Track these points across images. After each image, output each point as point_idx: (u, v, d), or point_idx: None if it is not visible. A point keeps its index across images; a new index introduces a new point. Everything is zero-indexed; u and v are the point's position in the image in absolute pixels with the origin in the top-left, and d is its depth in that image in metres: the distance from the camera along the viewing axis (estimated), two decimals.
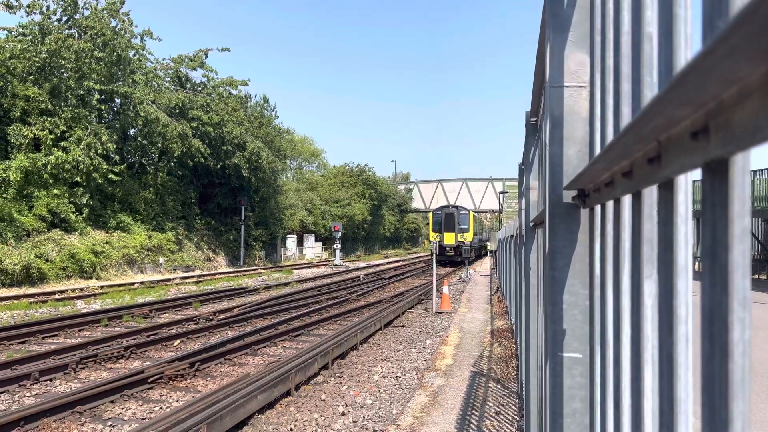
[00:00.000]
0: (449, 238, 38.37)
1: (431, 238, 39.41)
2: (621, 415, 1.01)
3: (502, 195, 55.37)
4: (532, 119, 4.48)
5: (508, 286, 13.74)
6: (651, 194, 0.86)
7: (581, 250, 1.53)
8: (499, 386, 8.16)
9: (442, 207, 41.12)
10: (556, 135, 1.57)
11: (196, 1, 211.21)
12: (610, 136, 1.19)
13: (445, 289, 17.17)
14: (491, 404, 7.27)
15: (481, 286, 24.54)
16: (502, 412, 6.91)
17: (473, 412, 6.97)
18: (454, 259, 38.21)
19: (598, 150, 1.38)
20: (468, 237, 38.52)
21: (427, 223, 43.17)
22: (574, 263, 1.53)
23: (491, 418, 6.66)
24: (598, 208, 1.33)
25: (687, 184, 0.70)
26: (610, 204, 1.18)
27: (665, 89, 0.51)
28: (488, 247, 44.40)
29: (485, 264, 43.21)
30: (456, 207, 40.41)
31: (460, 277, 29.25)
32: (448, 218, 38.97)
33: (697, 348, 0.60)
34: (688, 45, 0.68)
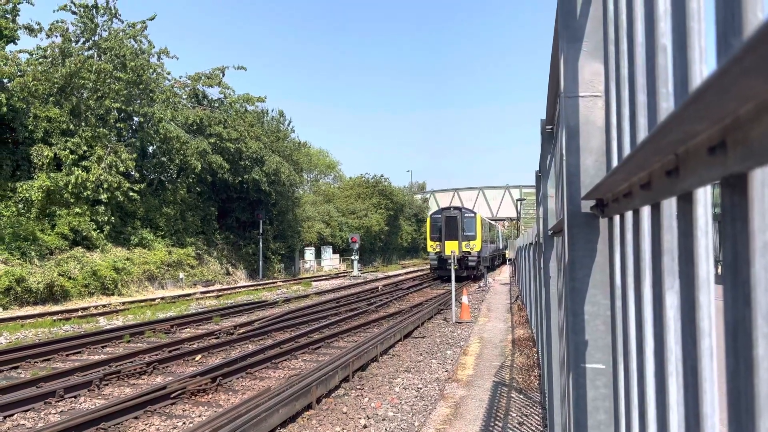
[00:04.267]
0: (451, 248, 30.10)
1: (429, 249, 32.38)
2: (646, 429, 1.00)
3: (519, 202, 55.05)
4: (547, 127, 4.46)
5: (528, 295, 13.64)
6: (670, 205, 0.86)
7: (601, 260, 1.52)
8: (521, 396, 8.08)
9: (442, 209, 32.71)
10: (572, 145, 1.56)
11: (208, 20, 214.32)
12: (627, 146, 1.18)
13: (465, 299, 17.08)
14: (514, 415, 7.20)
15: (501, 295, 24.37)
16: (525, 422, 6.83)
17: (496, 423, 6.90)
18: (458, 273, 30.13)
19: (615, 160, 1.37)
20: (475, 245, 31.20)
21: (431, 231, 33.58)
22: (595, 273, 1.52)
23: (514, 429, 6.59)
24: (617, 218, 1.33)
25: (706, 197, 0.70)
26: (629, 214, 1.17)
27: (681, 106, 0.51)
28: (507, 255, 44.02)
29: (504, 272, 42.92)
30: (459, 209, 32.04)
31: (480, 286, 29.09)
32: (449, 223, 31.11)
33: (722, 361, 0.59)
34: (703, 58, 0.68)
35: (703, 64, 0.68)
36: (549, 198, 4.41)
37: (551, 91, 3.59)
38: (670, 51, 0.82)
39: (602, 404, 1.49)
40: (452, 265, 17.83)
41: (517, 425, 6.75)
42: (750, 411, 0.47)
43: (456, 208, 32.38)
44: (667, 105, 0.85)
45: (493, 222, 48.92)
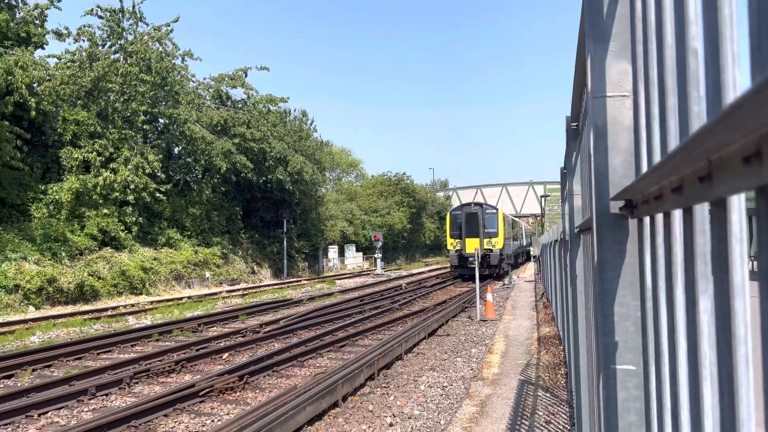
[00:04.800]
0: (472, 246, 29.32)
1: (449, 246, 31.42)
2: (680, 430, 1.00)
3: (543, 199, 54.54)
4: (572, 124, 4.42)
5: (554, 292, 13.52)
6: (703, 210, 0.86)
7: (631, 261, 1.51)
8: (548, 395, 8.02)
9: (462, 206, 31.71)
10: (600, 145, 1.56)
11: (230, 21, 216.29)
12: (657, 148, 1.18)
13: (489, 297, 17.00)
14: (541, 413, 7.16)
15: (526, 292, 24.20)
16: (552, 421, 6.78)
17: (523, 421, 6.87)
18: (480, 272, 31.20)
19: (644, 160, 1.37)
20: (497, 243, 30.05)
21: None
22: (624, 274, 1.52)
23: (541, 428, 6.56)
24: (646, 219, 1.32)
25: (741, 204, 0.70)
26: (659, 216, 1.17)
27: (715, 120, 0.51)
28: (531, 252, 43.54)
29: (529, 269, 42.59)
30: (480, 205, 30.93)
31: (504, 284, 28.92)
32: (470, 220, 30.19)
33: (759, 367, 0.60)
34: (736, 63, 0.68)
35: (737, 69, 0.68)
36: (575, 195, 4.37)
37: (576, 88, 3.56)
38: (701, 55, 0.82)
39: (633, 405, 1.48)
40: (476, 262, 17.71)
41: (543, 423, 6.71)
42: None
43: (477, 204, 31.32)
44: (698, 109, 0.85)
45: (516, 218, 48.20)
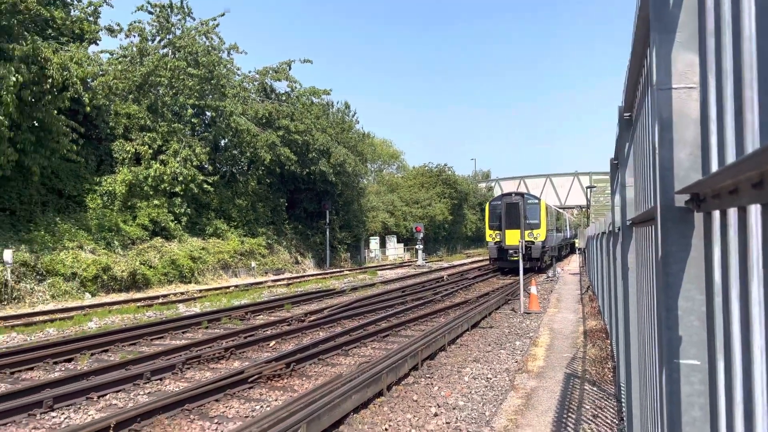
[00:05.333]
0: (512, 238, 28.32)
1: (488, 238, 30.18)
2: (754, 428, 1.00)
3: (589, 190, 53.40)
4: (625, 114, 4.33)
5: (600, 285, 13.28)
6: None
7: (696, 255, 1.50)
8: (594, 388, 7.92)
9: (502, 195, 30.41)
10: (665, 138, 1.54)
11: (273, 15, 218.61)
12: (730, 141, 1.16)
13: (533, 289, 16.82)
14: (587, 407, 7.08)
15: (571, 285, 23.83)
16: (599, 415, 6.70)
17: (569, 414, 6.81)
18: (518, 265, 30.06)
19: (713, 153, 1.35)
20: (539, 234, 28.72)
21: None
22: (689, 268, 1.50)
23: (588, 422, 6.49)
24: (716, 213, 1.31)
25: None
26: (731, 211, 1.16)
27: None
28: (576, 244, 42.69)
29: (573, 262, 41.87)
30: (521, 195, 29.52)
31: (548, 277, 28.52)
32: (510, 210, 28.76)
33: None
34: None
35: None
36: (627, 187, 4.29)
37: (631, 78, 3.49)
38: None
39: (697, 400, 1.47)
40: (519, 254, 17.55)
41: (590, 417, 6.63)
42: None
43: (518, 193, 29.88)
44: None
45: (560, 209, 47.19)
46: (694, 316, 1.50)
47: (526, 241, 28.12)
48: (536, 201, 29.32)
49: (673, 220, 1.52)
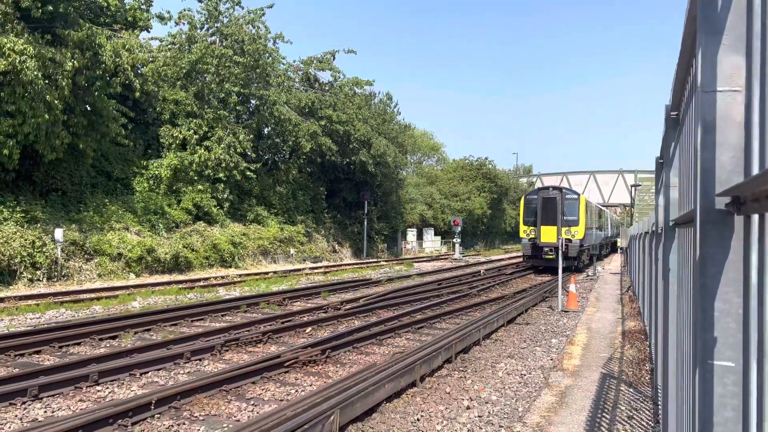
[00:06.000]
0: (548, 234, 26.84)
1: (522, 234, 28.51)
2: None
3: (633, 188, 52.14)
4: (672, 113, 4.26)
5: (641, 286, 13.02)
6: None
7: (734, 258, 1.50)
8: (631, 390, 7.82)
9: (539, 189, 28.77)
10: (708, 140, 1.54)
11: (319, 5, 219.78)
12: None
13: (572, 287, 16.61)
14: (623, 408, 7.00)
15: (611, 285, 23.40)
16: (635, 416, 6.63)
17: (603, 414, 6.75)
18: (556, 264, 24.86)
19: (755, 156, 1.35)
20: (578, 232, 27.00)
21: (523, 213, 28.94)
22: (727, 271, 1.51)
23: (623, 422, 6.42)
24: (755, 217, 1.32)
25: None
26: None
27: None
28: (618, 244, 41.76)
29: (615, 261, 41.06)
30: (559, 189, 27.77)
31: (588, 275, 28.07)
32: (546, 205, 27.16)
33: None
34: None
35: None
36: (672, 187, 4.22)
37: (679, 76, 3.43)
38: None
39: (730, 401, 1.49)
40: (558, 251, 17.27)
41: (625, 419, 6.57)
42: None
43: (555, 188, 28.02)
44: None
45: (602, 207, 45.88)
46: (730, 318, 1.51)
47: (564, 240, 25.32)
48: (575, 196, 27.73)
49: (712, 222, 1.53)
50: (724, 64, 1.54)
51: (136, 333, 11.34)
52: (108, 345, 10.36)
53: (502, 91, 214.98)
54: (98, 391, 7.53)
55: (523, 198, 29.15)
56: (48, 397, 7.15)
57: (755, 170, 1.32)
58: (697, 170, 1.67)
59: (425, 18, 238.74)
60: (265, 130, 33.06)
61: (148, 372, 8.49)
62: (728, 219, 1.52)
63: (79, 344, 10.24)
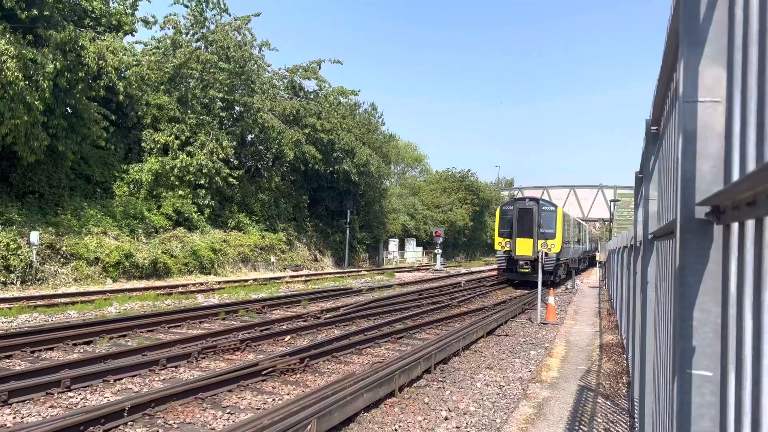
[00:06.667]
0: (524, 247, 25.67)
1: (497, 246, 27.10)
2: None
3: (612, 203, 52.75)
4: (652, 127, 4.31)
5: (619, 299, 13.14)
6: None
7: (713, 267, 1.51)
8: (608, 402, 7.85)
9: (515, 200, 27.52)
10: (689, 150, 1.55)
11: (306, 14, 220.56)
12: (751, 154, 1.18)
13: (551, 300, 16.70)
14: (600, 420, 7.02)
15: (589, 298, 23.59)
16: (611, 429, 6.65)
17: (581, 426, 6.77)
18: (531, 277, 25.28)
19: (736, 166, 1.36)
20: (554, 245, 25.73)
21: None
22: (706, 280, 1.51)
23: None
24: (734, 225, 1.32)
25: None
26: (749, 222, 1.17)
27: None
28: (597, 258, 42.07)
29: (594, 275, 41.43)
30: (536, 200, 26.62)
31: (567, 288, 28.27)
32: (523, 217, 25.97)
33: None
34: None
35: None
36: (651, 201, 4.27)
37: (659, 91, 3.48)
38: None
39: (708, 411, 1.48)
40: (539, 264, 17.38)
41: (602, 431, 6.58)
42: None
43: (532, 199, 26.90)
44: None
45: (581, 221, 46.11)
46: (708, 328, 1.51)
47: (538, 252, 24.12)
48: (553, 208, 26.60)
49: (692, 231, 1.54)
50: (705, 75, 1.55)
51: (111, 339, 11.15)
52: (82, 350, 10.16)
53: (486, 105, 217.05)
54: (70, 397, 7.37)
55: (498, 209, 27.97)
56: (18, 402, 6.98)
57: (735, 180, 1.33)
58: (677, 180, 1.68)
59: (413, 31, 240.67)
60: (249, 137, 32.92)
61: (122, 378, 8.34)
62: (708, 228, 1.53)
63: (51, 349, 10.03)
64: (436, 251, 42.61)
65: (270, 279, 25.79)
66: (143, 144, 27.28)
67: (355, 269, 36.21)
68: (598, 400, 7.99)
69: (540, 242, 24.97)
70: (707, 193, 1.50)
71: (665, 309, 2.95)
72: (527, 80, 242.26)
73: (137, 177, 26.06)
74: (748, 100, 1.20)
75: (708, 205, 1.45)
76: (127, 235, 23.30)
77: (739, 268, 1.26)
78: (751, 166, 1.17)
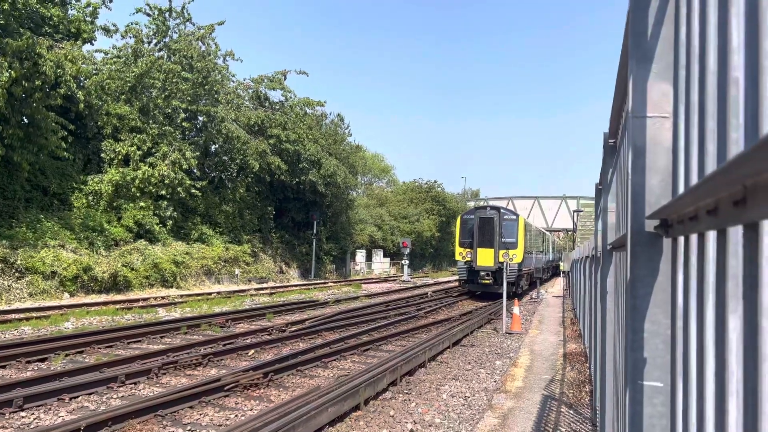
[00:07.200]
0: (485, 257, 24.80)
1: (458, 257, 26.26)
2: None
3: (576, 214, 53.77)
4: (610, 140, 4.41)
5: (582, 309, 13.35)
6: (736, 232, 0.89)
7: (663, 280, 1.54)
8: (571, 411, 7.94)
9: (476, 209, 26.62)
10: (638, 164, 1.58)
11: (272, 25, 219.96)
12: (694, 169, 1.21)
13: (516, 310, 16.86)
14: (563, 430, 7.09)
15: (554, 308, 23.91)
16: None
17: None
18: (492, 289, 24.85)
19: (681, 180, 1.39)
20: (516, 256, 24.84)
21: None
22: (656, 292, 1.54)
23: None
24: (681, 239, 1.35)
25: None
26: (694, 237, 1.20)
27: (752, 148, 0.55)
28: (561, 268, 42.68)
29: (558, 285, 42.06)
30: (497, 209, 25.78)
31: (532, 298, 28.61)
32: (483, 226, 25.09)
33: None
34: None
35: None
36: (609, 212, 4.36)
37: (615, 105, 3.56)
38: (742, 84, 0.85)
39: (659, 422, 1.50)
40: (504, 273, 17.51)
41: None
42: None
43: (493, 207, 26.10)
44: (736, 135, 0.88)
45: (544, 231, 46.63)
46: (659, 339, 1.53)
47: (499, 263, 24.12)
48: (514, 217, 25.86)
49: (642, 244, 1.56)
50: (653, 91, 1.59)
51: (67, 355, 10.79)
52: (36, 368, 9.81)
53: (452, 118, 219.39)
54: (22, 417, 7.09)
55: (459, 218, 27.00)
56: None
57: (679, 194, 1.35)
58: (628, 194, 1.71)
59: (380, 43, 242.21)
60: (213, 148, 32.49)
61: (78, 396, 8.07)
62: (657, 241, 1.55)
63: (3, 367, 9.66)
64: (403, 262, 42.69)
65: (234, 292, 25.40)
66: (103, 154, 26.64)
67: (322, 281, 35.96)
68: (562, 410, 8.07)
69: (501, 252, 24.19)
70: (656, 207, 1.53)
71: (623, 319, 3.00)
72: (491, 94, 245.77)
73: (97, 188, 25.42)
74: (691, 116, 1.23)
75: (657, 219, 1.48)
76: (85, 248, 22.66)
77: (685, 282, 1.28)
78: (694, 180, 1.20)
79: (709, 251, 1.05)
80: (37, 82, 20.46)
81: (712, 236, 1.04)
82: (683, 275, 1.31)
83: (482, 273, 24.95)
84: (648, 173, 1.57)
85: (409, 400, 8.65)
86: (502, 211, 25.81)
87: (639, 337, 1.54)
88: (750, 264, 0.78)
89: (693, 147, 1.21)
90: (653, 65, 1.59)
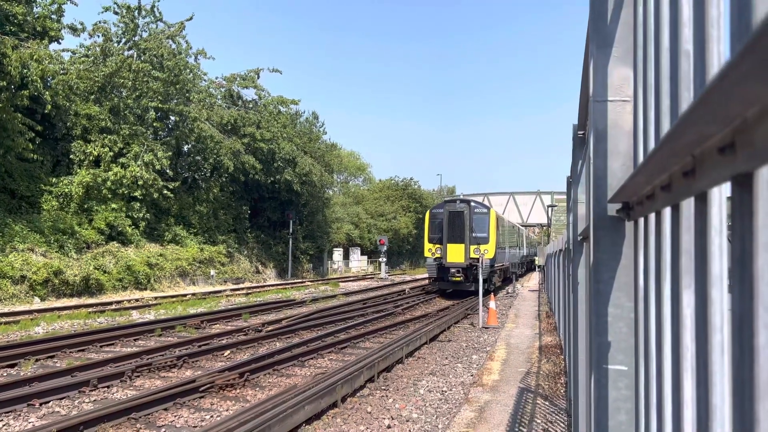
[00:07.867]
0: (455, 254, 23.51)
1: (427, 254, 24.87)
2: (663, 427, 1.02)
3: (550, 209, 54.31)
4: (579, 132, 4.44)
5: (557, 302, 13.50)
6: (689, 207, 0.88)
7: (626, 263, 1.54)
8: (547, 403, 8.01)
9: (445, 202, 25.49)
10: (600, 149, 1.58)
11: (245, 22, 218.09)
12: (651, 150, 1.20)
13: (492, 304, 16.98)
14: (539, 421, 7.15)
15: (529, 302, 24.13)
16: (550, 429, 6.77)
17: (521, 428, 6.87)
18: (464, 287, 23.73)
19: (641, 162, 1.39)
20: (488, 251, 22.65)
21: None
22: (619, 276, 1.54)
23: None
24: (641, 221, 1.34)
25: (721, 197, 0.72)
26: (652, 216, 1.19)
27: (692, 106, 0.54)
28: (536, 262, 43.08)
29: (533, 279, 42.49)
30: (467, 202, 24.50)
31: (508, 292, 28.85)
32: (453, 220, 23.79)
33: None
34: (721, 63, 0.70)
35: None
36: (579, 204, 4.39)
37: (583, 97, 3.58)
38: (692, 57, 0.84)
39: (623, 405, 1.50)
40: (480, 269, 17.60)
41: (541, 431, 6.70)
42: (750, 397, 0.50)
43: (463, 200, 24.87)
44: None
45: (518, 225, 46.62)
46: (622, 323, 1.53)
47: (470, 259, 23.02)
48: (485, 210, 24.42)
49: (605, 228, 1.56)
50: (614, 75, 1.59)
51: (37, 360, 10.55)
52: (5, 374, 9.57)
53: (427, 115, 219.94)
54: None
55: (428, 212, 25.55)
56: None
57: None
58: (590, 179, 1.71)
59: (354, 42, 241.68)
60: (185, 148, 32.06)
61: (49, 401, 7.90)
62: (620, 225, 1.55)
63: None
64: (380, 260, 42.68)
65: (210, 293, 25.12)
66: (72, 156, 26.10)
67: (299, 280, 35.77)
68: (538, 401, 8.14)
69: (473, 247, 22.56)
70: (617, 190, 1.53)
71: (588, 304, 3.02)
72: (465, 92, 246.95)
73: (67, 190, 24.89)
74: (649, 97, 1.22)
75: (618, 202, 1.48)
76: (56, 252, 22.19)
77: (645, 263, 1.28)
78: None
79: (666, 229, 1.04)
80: (1, 83, 19.95)
81: (668, 213, 1.03)
82: (644, 256, 1.31)
83: (453, 270, 23.78)
84: (610, 157, 1.57)
85: (387, 396, 8.65)
86: (472, 204, 24.61)
87: (603, 321, 1.54)
88: (701, 237, 0.77)
89: (650, 128, 1.20)
90: (613, 49, 1.59)
